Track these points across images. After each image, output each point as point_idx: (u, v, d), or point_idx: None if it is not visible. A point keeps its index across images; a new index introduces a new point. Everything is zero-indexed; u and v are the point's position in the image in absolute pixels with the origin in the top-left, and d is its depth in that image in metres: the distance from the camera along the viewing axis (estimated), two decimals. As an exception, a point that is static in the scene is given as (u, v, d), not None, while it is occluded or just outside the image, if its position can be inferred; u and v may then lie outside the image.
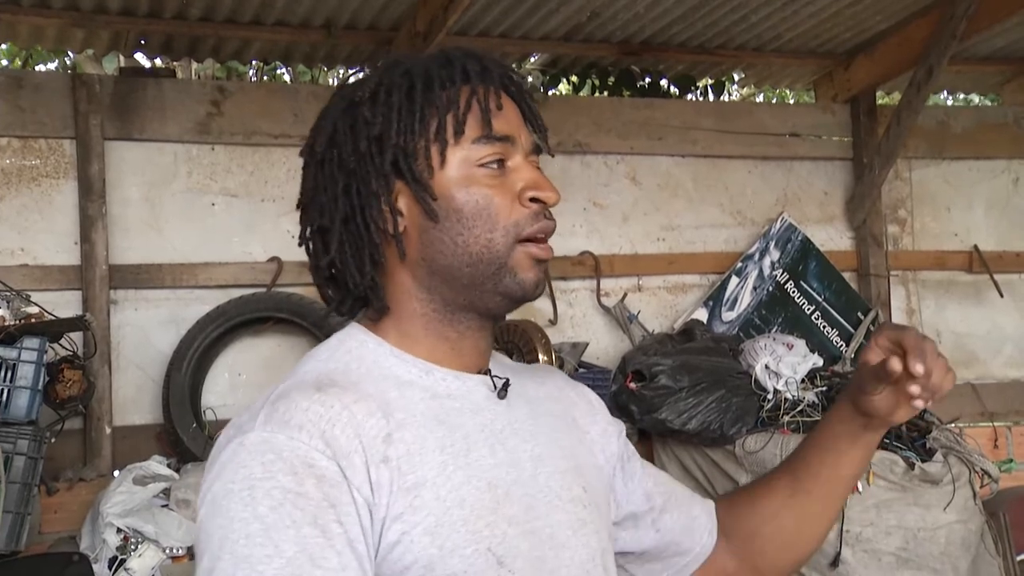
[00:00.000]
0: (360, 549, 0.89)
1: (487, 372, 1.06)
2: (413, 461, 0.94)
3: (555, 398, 1.16)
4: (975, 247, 4.32)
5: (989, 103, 5.29)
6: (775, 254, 4.02)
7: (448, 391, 1.02)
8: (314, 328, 3.34)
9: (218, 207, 3.54)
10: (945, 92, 5.36)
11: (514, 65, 4.20)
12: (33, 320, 2.84)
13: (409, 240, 1.02)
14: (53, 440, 2.88)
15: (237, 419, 0.97)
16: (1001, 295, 4.31)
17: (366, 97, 1.03)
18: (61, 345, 2.98)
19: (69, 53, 4.39)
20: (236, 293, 3.43)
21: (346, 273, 1.04)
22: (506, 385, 1.06)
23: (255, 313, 3.40)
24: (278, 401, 0.94)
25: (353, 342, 1.04)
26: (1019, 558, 3.27)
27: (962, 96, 5.48)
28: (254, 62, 4.15)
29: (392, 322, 1.04)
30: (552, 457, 1.06)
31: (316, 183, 1.05)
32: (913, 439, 3.13)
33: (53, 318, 2.92)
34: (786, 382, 3.25)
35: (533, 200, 1.01)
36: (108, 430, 3.29)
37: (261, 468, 0.89)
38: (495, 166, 1.01)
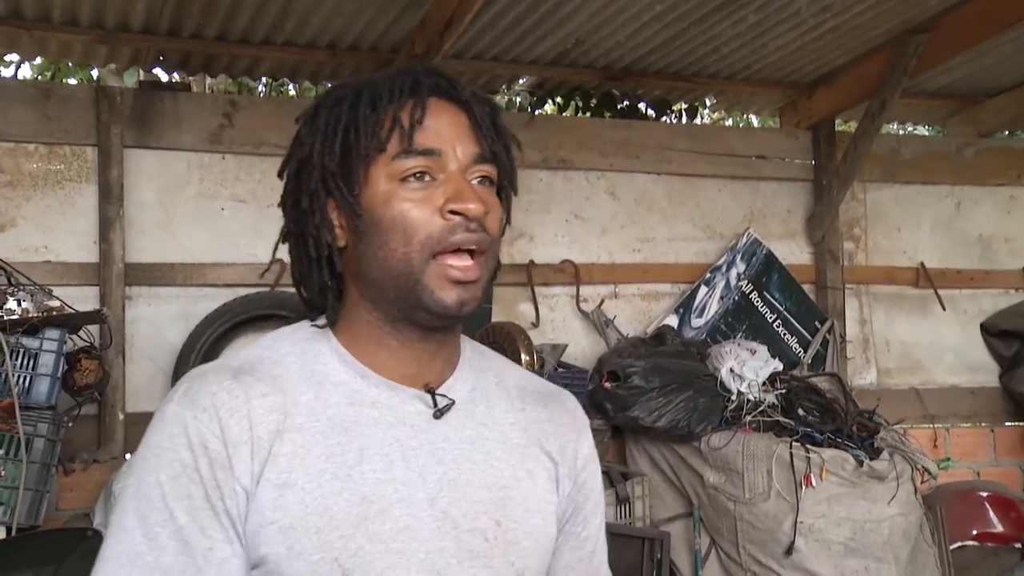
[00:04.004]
0: (239, 529, 0.90)
1: (430, 390, 0.99)
2: (293, 463, 0.92)
3: (529, 427, 1.06)
4: (921, 264, 4.36)
5: (935, 134, 5.34)
6: (741, 266, 4.04)
7: (374, 399, 0.97)
8: (314, 326, 3.34)
9: (227, 212, 3.54)
10: (896, 123, 5.40)
11: (503, 86, 4.22)
12: (54, 313, 2.84)
13: (349, 254, 0.99)
14: (70, 424, 2.86)
15: (173, 388, 0.97)
16: (944, 308, 4.35)
17: (305, 120, 1.02)
18: (79, 336, 2.97)
19: (94, 67, 4.37)
20: (242, 292, 3.43)
21: (302, 283, 1.04)
22: (446, 408, 0.99)
23: (259, 311, 3.40)
24: (195, 379, 0.95)
25: (303, 334, 1.02)
26: (952, 547, 3.31)
27: (911, 127, 5.52)
28: (264, 78, 4.14)
29: (345, 324, 1.01)
30: (469, 485, 0.98)
31: (280, 203, 1.05)
32: (862, 439, 3.17)
33: (72, 311, 2.91)
34: (749, 384, 3.27)
35: (454, 212, 0.93)
36: (121, 416, 3.28)
37: (168, 439, 0.91)
38: (416, 179, 0.94)
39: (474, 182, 0.97)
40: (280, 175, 1.04)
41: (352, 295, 1.01)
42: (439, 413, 0.99)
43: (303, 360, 0.98)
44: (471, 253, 0.95)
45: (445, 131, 0.96)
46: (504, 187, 1.03)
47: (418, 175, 0.94)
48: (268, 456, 0.91)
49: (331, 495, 0.92)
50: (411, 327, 0.98)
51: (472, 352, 1.08)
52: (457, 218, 0.93)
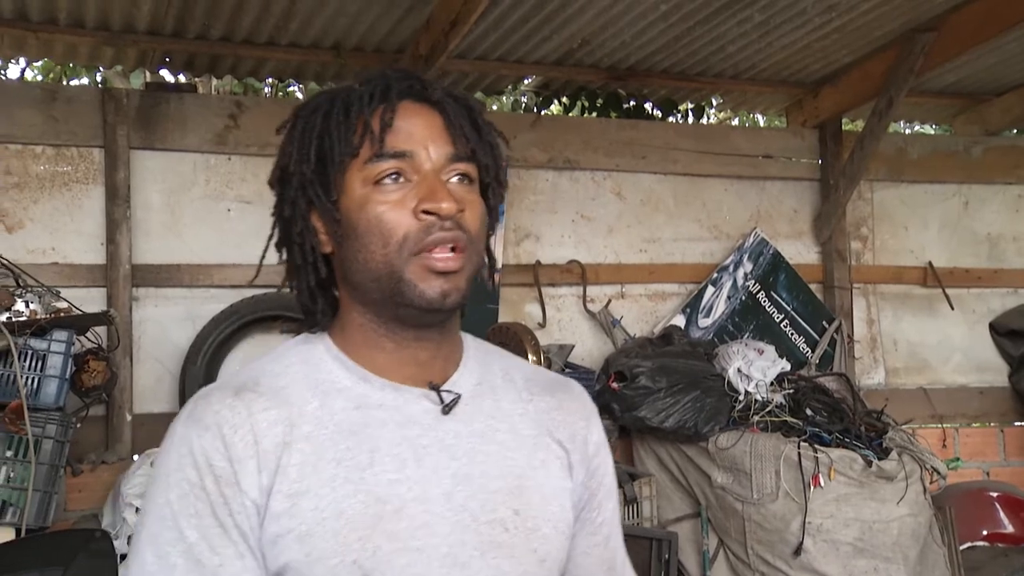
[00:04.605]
0: (252, 543, 0.91)
1: (435, 387, 1.00)
2: (305, 471, 0.93)
3: (539, 417, 1.07)
4: (929, 263, 4.35)
5: (942, 133, 5.33)
6: (748, 266, 4.04)
7: (380, 401, 0.98)
8: (320, 327, 3.35)
9: (233, 213, 3.54)
10: (903, 121, 5.39)
11: (509, 86, 4.21)
12: (62, 314, 2.84)
13: (336, 259, 1.01)
14: (78, 425, 2.87)
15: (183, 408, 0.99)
16: (952, 307, 4.34)
17: (284, 130, 1.04)
18: (87, 338, 2.98)
19: (100, 69, 4.38)
20: (248, 293, 3.42)
21: (295, 291, 1.05)
22: (453, 402, 1.00)
23: (265, 312, 3.40)
24: (199, 400, 0.97)
25: (304, 345, 1.03)
26: (962, 548, 3.30)
27: (918, 125, 5.51)
28: (269, 79, 4.15)
29: (340, 330, 1.03)
30: (483, 477, 0.99)
31: (272, 213, 1.06)
32: (871, 439, 3.16)
33: (80, 313, 2.91)
34: (756, 384, 3.26)
35: (427, 212, 0.94)
36: (129, 417, 3.29)
37: (176, 459, 0.93)
38: (391, 181, 0.95)
39: (453, 180, 0.97)
40: (271, 185, 1.05)
41: (344, 300, 1.02)
42: (447, 409, 0.99)
43: (305, 370, 0.99)
44: (452, 248, 0.95)
45: (417, 132, 0.96)
46: (488, 184, 1.02)
47: (393, 176, 0.95)
48: (277, 468, 0.92)
49: (345, 499, 0.93)
50: (403, 328, 0.99)
51: (475, 348, 1.09)
52: (431, 218, 0.94)
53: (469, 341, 1.09)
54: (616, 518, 1.15)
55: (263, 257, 1.09)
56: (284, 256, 1.06)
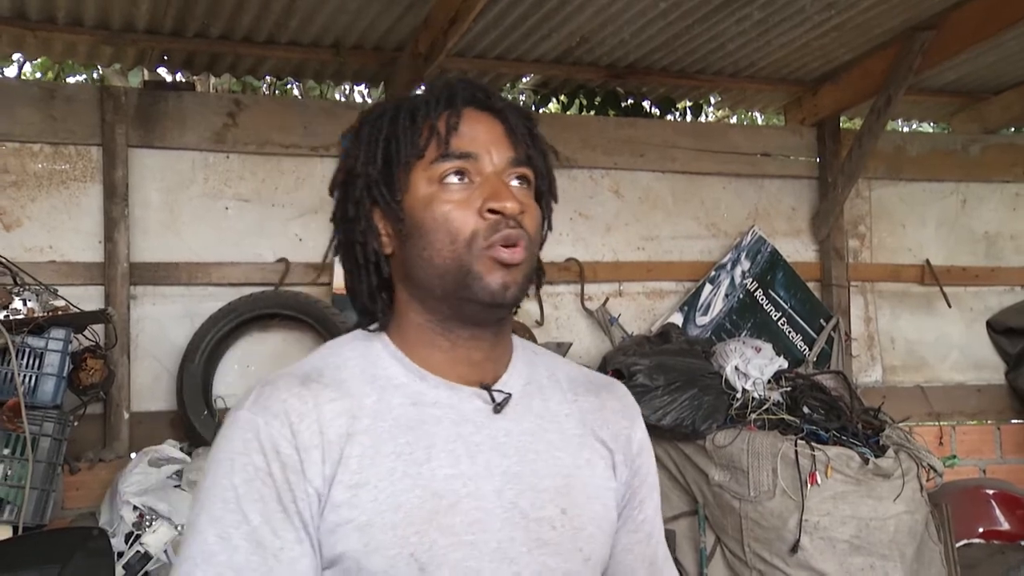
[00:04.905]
0: (310, 530, 0.94)
1: (487, 387, 1.03)
2: (364, 463, 0.95)
3: (584, 417, 1.10)
4: (927, 261, 4.35)
5: (941, 131, 5.33)
6: (746, 264, 4.04)
7: (435, 399, 1.01)
8: (317, 324, 3.35)
9: (231, 211, 3.54)
10: (901, 120, 5.39)
11: (507, 85, 4.21)
12: (59, 312, 2.84)
13: (396, 259, 1.04)
14: (76, 423, 2.88)
15: (243, 395, 1.01)
16: (949, 306, 4.34)
17: (350, 136, 1.07)
18: (85, 336, 2.98)
19: (98, 67, 4.38)
20: (246, 291, 3.43)
21: (354, 291, 1.08)
22: (505, 402, 1.03)
23: (263, 310, 3.40)
24: (266, 386, 0.99)
25: (361, 341, 1.06)
26: (958, 545, 3.31)
27: (916, 124, 5.51)
28: (268, 78, 4.14)
29: (397, 329, 1.06)
30: (533, 475, 1.02)
31: (332, 217, 1.10)
32: (868, 436, 3.16)
33: (78, 311, 2.92)
34: (754, 382, 3.26)
35: (492, 211, 0.98)
36: (126, 415, 3.29)
37: (241, 444, 0.95)
38: (456, 180, 0.99)
39: (514, 183, 1.02)
40: (331, 192, 1.09)
41: (402, 300, 1.05)
42: (498, 408, 1.03)
43: (363, 365, 1.02)
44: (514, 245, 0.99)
45: (480, 137, 1.01)
46: (543, 193, 1.08)
47: (458, 175, 0.99)
48: (340, 459, 0.95)
49: (403, 492, 0.95)
50: (461, 326, 1.02)
51: (523, 349, 1.12)
52: (495, 216, 0.98)
53: (517, 342, 1.13)
54: (658, 515, 1.19)
55: (325, 257, 1.15)
56: (344, 259, 1.09)
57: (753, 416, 3.16)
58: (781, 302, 4.06)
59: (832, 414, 3.24)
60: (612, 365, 3.35)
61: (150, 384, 3.38)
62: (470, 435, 1.00)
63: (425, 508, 0.95)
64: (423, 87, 1.07)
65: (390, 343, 1.05)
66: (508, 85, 4.25)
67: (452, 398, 1.01)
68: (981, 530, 3.55)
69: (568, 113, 4.31)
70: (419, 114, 1.02)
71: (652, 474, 1.17)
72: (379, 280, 1.05)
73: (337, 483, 0.94)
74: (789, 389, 3.30)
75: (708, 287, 3.99)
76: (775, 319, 4.03)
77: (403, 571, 0.93)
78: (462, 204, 0.99)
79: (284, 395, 0.96)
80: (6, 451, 2.63)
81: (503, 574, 0.98)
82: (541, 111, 4.31)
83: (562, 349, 3.65)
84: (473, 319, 1.01)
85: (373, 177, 1.02)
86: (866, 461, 2.98)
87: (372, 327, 1.07)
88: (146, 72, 4.12)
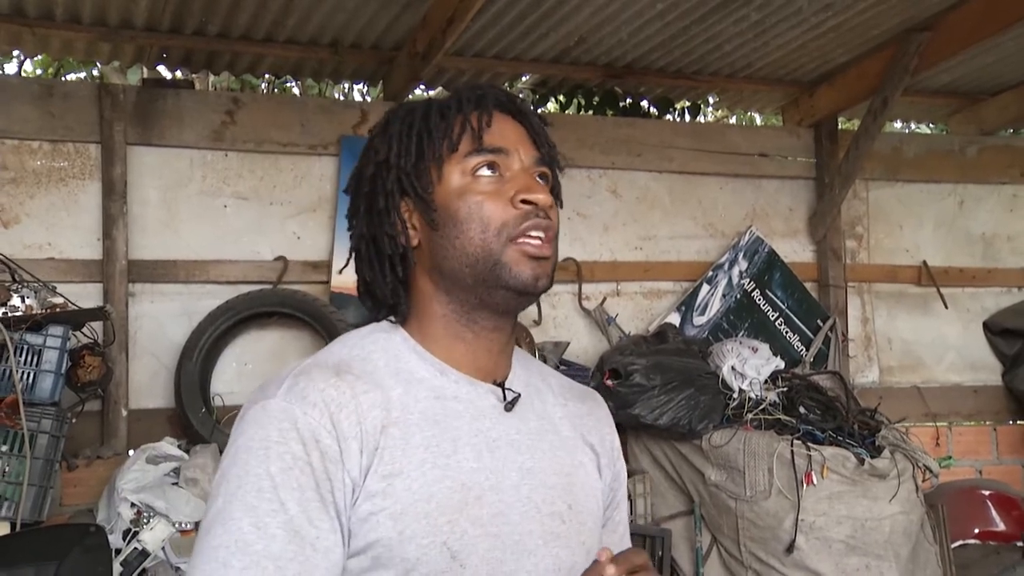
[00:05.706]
0: (343, 519, 0.95)
1: (501, 384, 1.08)
2: (396, 454, 0.97)
3: (574, 421, 1.16)
4: (924, 262, 4.36)
5: (938, 132, 5.34)
6: (743, 264, 4.05)
7: (456, 393, 1.04)
8: (315, 323, 3.36)
9: (229, 209, 3.54)
10: (899, 121, 5.40)
11: (505, 84, 4.22)
12: (58, 310, 2.85)
13: (422, 251, 1.08)
14: (74, 420, 2.88)
15: (265, 384, 1.01)
16: (946, 306, 4.35)
17: (378, 132, 1.11)
18: (83, 333, 2.98)
19: (97, 65, 4.38)
20: (244, 289, 3.43)
21: (374, 284, 1.10)
22: (515, 400, 1.07)
23: (261, 308, 3.40)
24: (300, 376, 0.99)
25: (381, 334, 1.08)
26: (953, 546, 3.32)
27: (913, 125, 5.52)
28: (266, 76, 4.14)
29: (417, 323, 1.08)
30: (543, 472, 1.07)
31: (350, 212, 1.12)
32: (864, 437, 3.17)
33: (76, 308, 2.92)
34: (750, 382, 3.27)
35: (524, 202, 1.03)
36: (124, 413, 3.29)
37: (278, 433, 0.95)
38: (489, 173, 1.04)
39: (538, 181, 1.08)
40: (346, 190, 1.13)
41: (425, 292, 1.08)
42: (509, 406, 1.07)
43: (386, 358, 1.05)
44: (543, 237, 1.04)
45: (510, 135, 1.07)
46: (557, 195, 1.12)
47: (490, 168, 1.04)
48: (376, 449, 0.97)
49: (434, 483, 0.98)
50: (486, 316, 1.06)
51: (517, 354, 1.16)
52: (528, 207, 1.03)
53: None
54: (626, 517, 1.27)
55: (349, 260, 1.15)
56: (365, 252, 1.11)
57: (749, 416, 3.17)
58: (778, 302, 4.06)
59: (828, 414, 3.25)
60: (609, 364, 3.36)
61: (148, 381, 3.38)
62: (488, 430, 1.04)
63: (455, 499, 0.98)
64: (451, 90, 1.13)
65: (409, 337, 1.07)
66: (506, 84, 4.26)
67: (471, 393, 1.05)
68: (977, 531, 3.56)
69: (566, 113, 4.31)
70: (449, 112, 1.07)
71: (624, 478, 1.25)
72: (404, 272, 1.08)
73: (372, 473, 0.96)
74: (785, 389, 3.31)
75: (705, 287, 3.99)
76: (772, 319, 4.04)
77: (435, 558, 0.96)
78: (493, 195, 1.03)
79: (321, 385, 0.97)
80: (4, 447, 2.63)
81: (523, 565, 1.02)
82: (539, 111, 4.31)
83: (560, 348, 3.66)
84: (502, 306, 1.05)
85: (406, 169, 1.06)
86: (862, 461, 2.98)
87: (392, 319, 1.10)
88: (145, 70, 4.12)
